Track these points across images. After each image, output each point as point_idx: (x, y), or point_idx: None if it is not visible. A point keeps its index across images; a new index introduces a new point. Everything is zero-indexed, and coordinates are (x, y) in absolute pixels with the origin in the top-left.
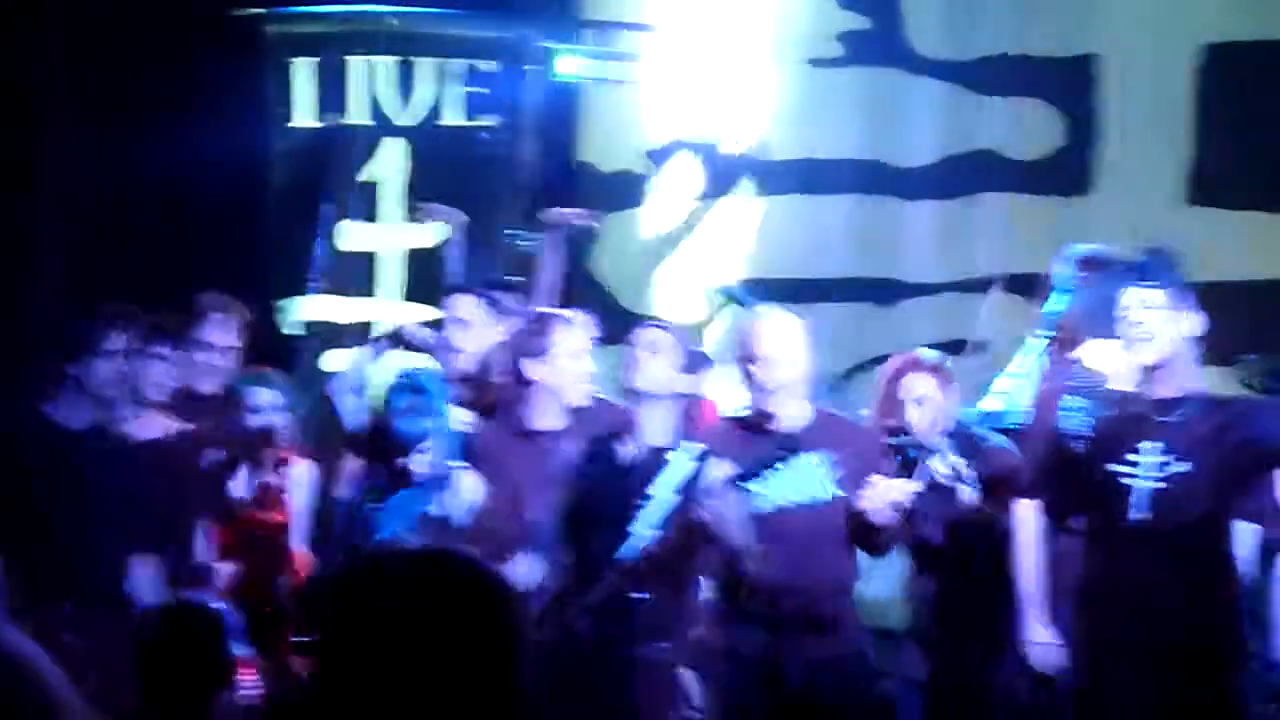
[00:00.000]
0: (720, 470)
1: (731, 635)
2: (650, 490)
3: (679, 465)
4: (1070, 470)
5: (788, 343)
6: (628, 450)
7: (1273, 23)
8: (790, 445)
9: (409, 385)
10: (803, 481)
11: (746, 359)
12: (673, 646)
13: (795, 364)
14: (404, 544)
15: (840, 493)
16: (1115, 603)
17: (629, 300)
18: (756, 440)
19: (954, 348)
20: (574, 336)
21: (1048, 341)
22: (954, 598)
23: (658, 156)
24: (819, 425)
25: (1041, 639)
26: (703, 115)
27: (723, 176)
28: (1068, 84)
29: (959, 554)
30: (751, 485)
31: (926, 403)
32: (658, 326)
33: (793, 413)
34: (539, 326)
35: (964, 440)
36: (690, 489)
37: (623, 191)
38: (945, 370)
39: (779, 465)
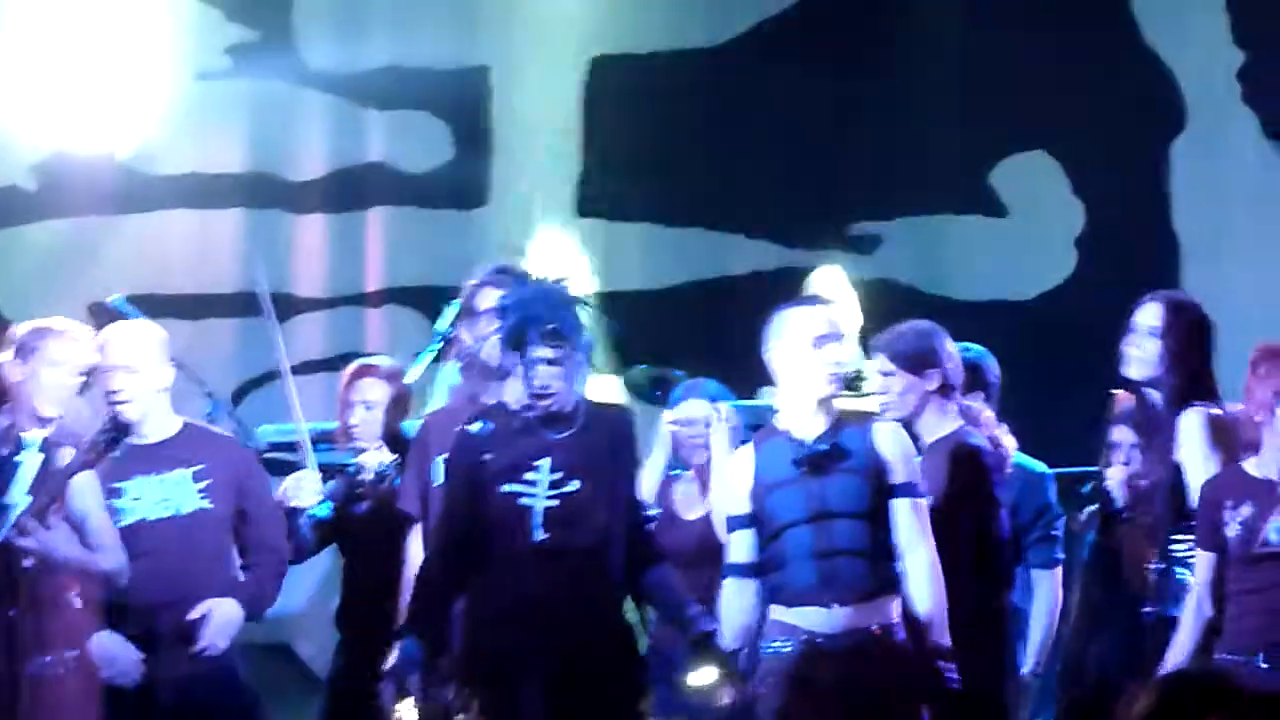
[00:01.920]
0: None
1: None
2: (8, 496)
3: (29, 463)
4: (473, 494)
5: (141, 352)
6: None
7: (656, 35)
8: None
9: None
10: (170, 493)
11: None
12: (54, 661)
13: (151, 374)
14: None
15: (209, 504)
16: (519, 622)
17: (17, 317)
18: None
19: (345, 361)
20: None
21: (442, 358)
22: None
23: (43, 171)
24: (186, 437)
25: None
26: (90, 128)
27: (110, 190)
28: (458, 97)
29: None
30: (116, 501)
31: (375, 407)
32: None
33: (157, 424)
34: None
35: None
36: (42, 487)
37: (9, 207)
38: (397, 378)
39: (141, 476)
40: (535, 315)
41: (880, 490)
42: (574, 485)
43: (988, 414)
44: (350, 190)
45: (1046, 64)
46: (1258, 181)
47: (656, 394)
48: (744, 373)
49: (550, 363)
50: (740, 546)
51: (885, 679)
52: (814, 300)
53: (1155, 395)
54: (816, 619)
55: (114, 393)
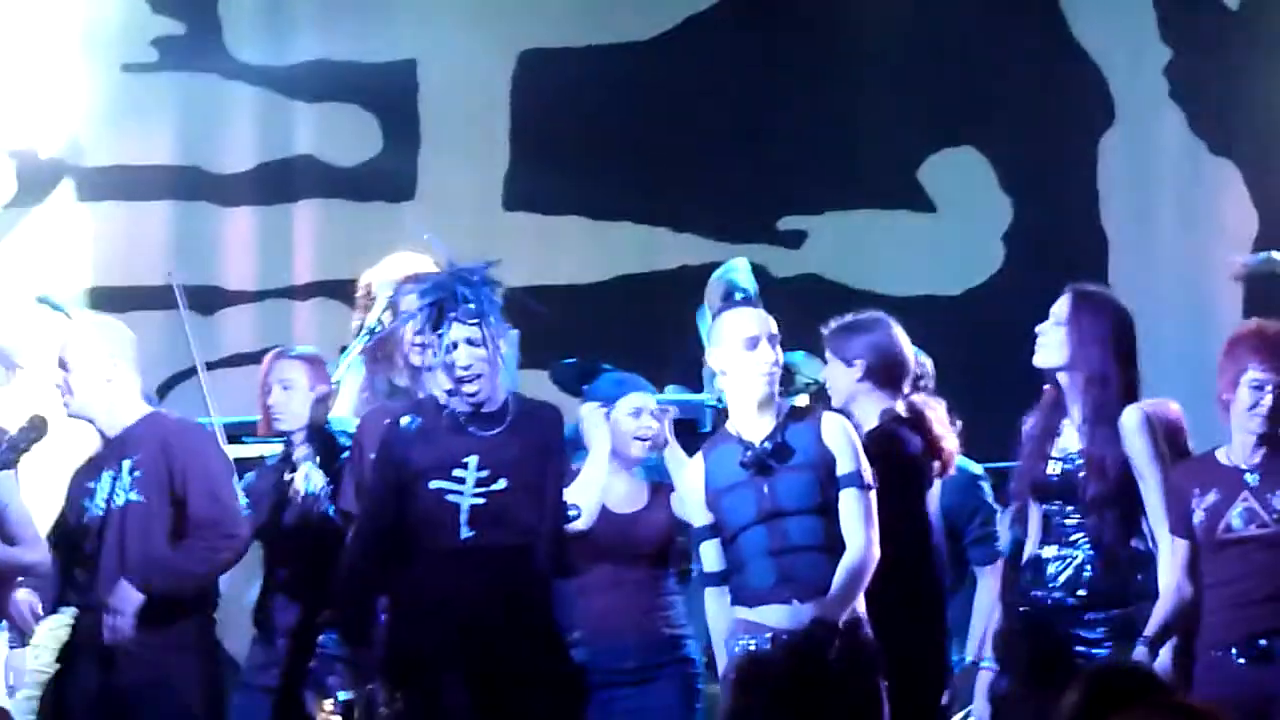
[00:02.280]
0: None
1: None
2: None
3: None
4: (400, 489)
5: (70, 351)
6: None
7: (583, 30)
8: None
9: None
10: (114, 489)
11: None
12: None
13: (85, 371)
14: None
15: (137, 497)
16: (444, 619)
17: None
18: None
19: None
20: None
21: (366, 352)
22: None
23: None
24: (138, 428)
25: None
26: (13, 119)
27: (37, 182)
28: (386, 90)
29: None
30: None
31: (293, 388)
32: None
33: (114, 418)
34: None
35: (325, 444)
36: None
37: None
38: (318, 364)
39: (100, 474)
40: (453, 294)
41: (831, 483)
42: (501, 484)
43: (934, 410)
44: (278, 183)
45: (975, 59)
46: (1185, 177)
47: (585, 388)
48: (672, 366)
49: (470, 343)
50: (710, 556)
51: (849, 674)
52: (744, 302)
53: (1066, 383)
54: (779, 616)
55: (57, 388)
